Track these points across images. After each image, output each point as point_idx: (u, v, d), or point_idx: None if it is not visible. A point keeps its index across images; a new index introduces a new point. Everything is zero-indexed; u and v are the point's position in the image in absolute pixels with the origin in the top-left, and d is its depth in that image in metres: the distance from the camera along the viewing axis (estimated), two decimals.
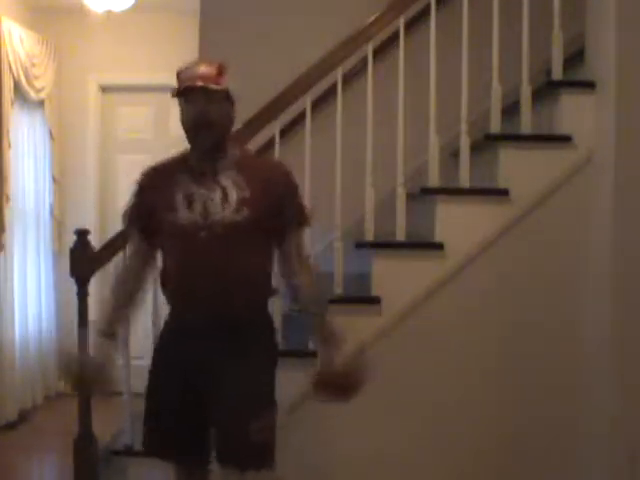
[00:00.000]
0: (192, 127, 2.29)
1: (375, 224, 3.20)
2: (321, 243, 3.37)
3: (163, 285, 2.39)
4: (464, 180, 3.19)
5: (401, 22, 3.24)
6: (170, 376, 2.31)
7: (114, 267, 2.47)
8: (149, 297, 3.35)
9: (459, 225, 3.16)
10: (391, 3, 3.22)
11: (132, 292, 2.43)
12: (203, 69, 2.28)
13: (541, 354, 3.15)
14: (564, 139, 3.16)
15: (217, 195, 2.26)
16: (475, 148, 3.24)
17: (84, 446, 3.16)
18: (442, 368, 3.15)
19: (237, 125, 2.47)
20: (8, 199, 4.93)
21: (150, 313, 3.27)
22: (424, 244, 3.20)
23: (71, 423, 3.29)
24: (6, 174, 4.90)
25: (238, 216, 2.24)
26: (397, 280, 3.13)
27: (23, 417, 5.08)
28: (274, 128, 3.26)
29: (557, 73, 3.22)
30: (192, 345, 2.25)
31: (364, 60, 3.30)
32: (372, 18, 3.21)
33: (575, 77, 3.29)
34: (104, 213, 5.90)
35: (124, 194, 6.20)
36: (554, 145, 3.18)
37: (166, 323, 2.43)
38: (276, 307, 2.92)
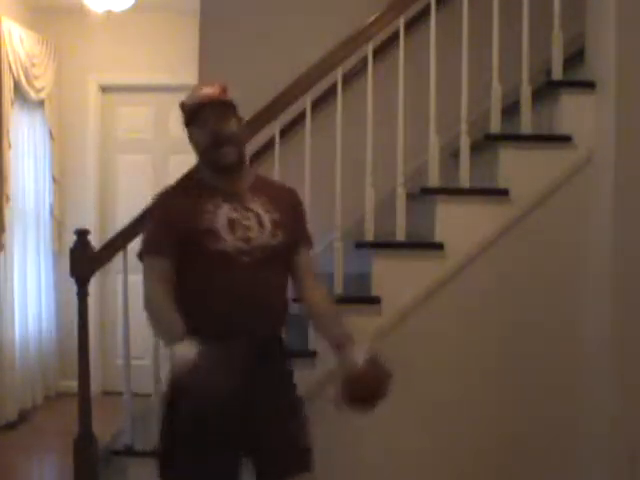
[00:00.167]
0: (212, 143, 2.23)
1: (375, 224, 3.20)
2: (321, 243, 3.36)
3: (187, 313, 2.17)
4: (464, 180, 3.19)
5: (401, 22, 3.23)
6: (206, 408, 2.14)
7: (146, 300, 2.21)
8: None
9: (459, 225, 3.16)
10: (391, 3, 3.22)
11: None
12: (207, 90, 2.28)
13: (541, 354, 3.15)
14: (564, 139, 3.16)
15: (252, 219, 2.25)
16: (475, 148, 3.24)
17: (84, 446, 3.16)
18: (442, 368, 3.15)
19: None
20: (8, 199, 4.93)
21: None
22: (424, 244, 3.20)
23: (71, 423, 3.30)
24: (6, 174, 4.90)
25: (274, 240, 2.25)
26: (397, 280, 3.13)
27: (23, 417, 5.09)
28: (274, 128, 3.26)
29: (557, 73, 3.22)
30: (233, 372, 2.15)
31: (364, 60, 3.30)
32: (372, 18, 3.21)
33: (575, 77, 3.29)
34: (104, 213, 5.91)
35: (124, 194, 6.31)
36: (554, 145, 3.18)
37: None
38: None
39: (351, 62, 3.44)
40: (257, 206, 2.28)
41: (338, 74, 3.24)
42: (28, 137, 5.43)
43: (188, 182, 2.37)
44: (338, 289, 3.15)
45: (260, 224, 2.26)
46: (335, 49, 3.22)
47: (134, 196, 5.53)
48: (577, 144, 3.15)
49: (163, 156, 5.91)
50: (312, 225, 2.45)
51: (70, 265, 3.14)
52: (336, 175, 3.22)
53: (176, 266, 2.21)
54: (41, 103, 5.54)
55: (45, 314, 5.61)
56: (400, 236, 3.17)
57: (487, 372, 3.16)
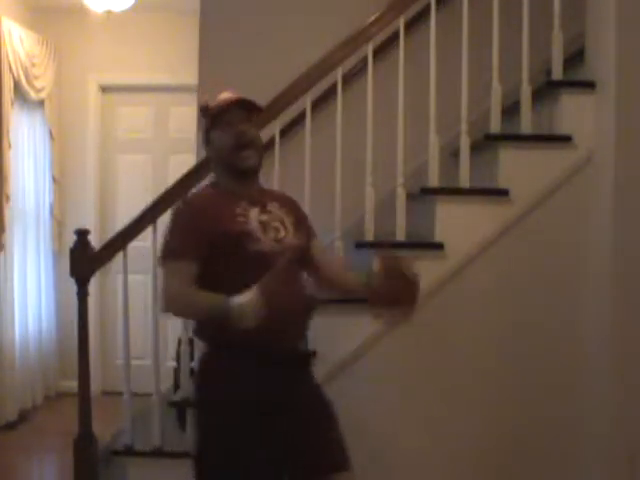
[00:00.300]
0: (236, 145, 2.24)
1: (375, 224, 3.20)
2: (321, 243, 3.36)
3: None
4: (464, 180, 3.18)
5: (401, 22, 3.23)
6: (249, 416, 2.16)
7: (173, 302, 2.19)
8: (149, 297, 3.36)
9: (459, 225, 3.16)
10: (391, 3, 3.22)
11: None
12: (230, 94, 2.29)
13: (541, 354, 3.15)
14: (564, 139, 3.16)
15: (277, 221, 2.28)
16: (475, 148, 3.24)
17: (84, 446, 3.16)
18: (442, 368, 3.15)
19: None
20: (8, 199, 4.94)
21: (150, 311, 3.27)
22: (424, 244, 3.20)
23: (71, 423, 3.30)
24: (6, 174, 4.90)
25: (296, 240, 2.29)
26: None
27: (23, 417, 5.09)
28: (274, 128, 3.26)
29: (557, 73, 3.21)
30: (274, 376, 2.19)
31: (364, 60, 3.30)
32: (372, 18, 3.21)
33: (575, 77, 3.29)
34: (104, 213, 5.91)
35: (124, 194, 6.30)
36: (554, 145, 3.17)
37: (224, 360, 2.22)
38: None
39: (351, 62, 3.44)
40: (276, 209, 2.31)
41: (338, 74, 3.24)
42: (28, 137, 5.43)
43: (207, 189, 2.36)
44: None
45: (284, 226, 2.29)
46: (335, 49, 3.22)
47: (134, 196, 5.54)
48: (577, 144, 3.15)
49: (163, 156, 5.91)
50: (312, 225, 2.46)
51: (70, 265, 3.14)
52: (336, 175, 3.22)
53: (203, 272, 2.18)
54: (41, 103, 5.54)
55: (45, 314, 5.61)
56: (400, 236, 3.17)
57: (487, 372, 3.16)
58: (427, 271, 3.12)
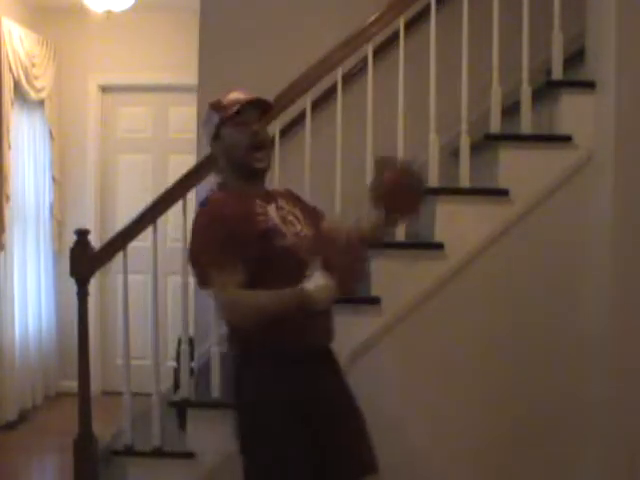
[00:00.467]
0: (250, 147, 2.23)
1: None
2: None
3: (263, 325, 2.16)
4: (464, 180, 3.18)
5: (401, 22, 3.23)
6: (286, 415, 2.18)
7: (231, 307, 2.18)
8: (149, 297, 3.36)
9: (459, 225, 3.16)
10: (391, 3, 3.22)
11: None
12: (244, 93, 2.28)
13: (541, 354, 3.15)
14: (564, 139, 3.16)
15: (291, 215, 2.30)
16: (475, 148, 3.24)
17: (84, 446, 3.16)
18: (442, 367, 3.15)
19: None
20: (8, 199, 4.94)
21: (150, 311, 3.27)
22: (424, 244, 3.20)
23: (71, 423, 3.30)
24: (6, 174, 4.90)
25: (310, 231, 2.31)
26: (397, 280, 3.13)
27: (23, 417, 5.09)
28: (274, 128, 3.26)
29: (557, 73, 3.21)
30: (311, 372, 2.21)
31: (364, 60, 3.30)
32: (372, 18, 3.21)
33: (575, 77, 3.29)
34: (104, 213, 5.91)
35: (124, 194, 6.31)
36: (554, 145, 3.17)
37: (257, 362, 2.23)
38: None
39: (351, 62, 3.44)
40: (285, 204, 2.32)
41: (338, 74, 3.24)
42: (28, 137, 5.43)
43: (219, 194, 2.30)
44: None
45: (297, 219, 2.31)
46: (335, 49, 3.22)
47: (134, 196, 5.55)
48: (577, 144, 3.15)
49: (163, 156, 5.91)
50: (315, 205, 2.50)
51: (70, 265, 3.14)
52: (336, 175, 3.22)
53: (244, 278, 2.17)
54: (41, 103, 5.54)
55: (45, 314, 5.61)
56: (400, 236, 3.17)
57: (487, 372, 3.16)
58: (427, 271, 3.14)
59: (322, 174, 3.21)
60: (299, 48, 3.76)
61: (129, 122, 5.97)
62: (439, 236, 3.16)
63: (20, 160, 5.28)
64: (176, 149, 5.69)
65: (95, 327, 5.48)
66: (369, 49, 3.23)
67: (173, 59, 5.54)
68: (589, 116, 3.14)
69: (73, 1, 5.16)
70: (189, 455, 3.14)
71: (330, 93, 3.54)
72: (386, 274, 3.14)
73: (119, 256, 3.19)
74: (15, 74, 5.01)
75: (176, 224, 3.33)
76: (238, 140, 2.24)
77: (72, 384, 3.63)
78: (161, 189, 3.30)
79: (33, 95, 5.34)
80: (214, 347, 3.16)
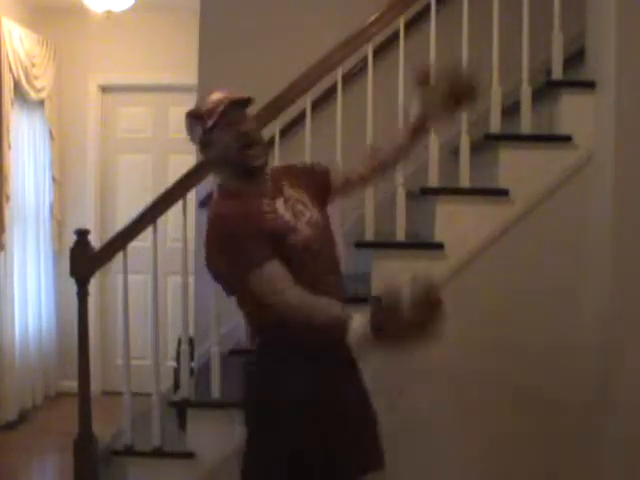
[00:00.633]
0: (242, 147, 2.19)
1: (375, 224, 3.20)
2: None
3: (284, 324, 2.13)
4: (464, 180, 3.18)
5: (401, 22, 3.23)
6: (309, 415, 2.18)
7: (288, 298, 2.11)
8: (149, 297, 3.36)
9: (459, 225, 3.16)
10: (391, 3, 3.22)
11: None
12: (220, 94, 2.24)
13: (541, 354, 3.15)
14: (564, 139, 3.16)
15: (299, 204, 2.27)
16: (475, 148, 3.24)
17: (84, 446, 3.16)
18: (442, 367, 3.15)
19: None
20: (8, 199, 4.94)
21: (150, 311, 3.28)
22: (424, 244, 3.20)
23: (71, 423, 3.30)
24: (6, 174, 4.91)
25: (322, 217, 2.30)
26: (397, 280, 3.12)
27: (23, 417, 5.09)
28: (274, 128, 3.26)
29: (557, 73, 3.21)
30: (330, 374, 2.21)
31: (364, 60, 3.30)
32: (372, 18, 3.21)
33: (575, 77, 3.29)
34: (104, 213, 5.91)
35: (124, 194, 6.31)
36: (554, 145, 3.17)
37: (287, 361, 2.21)
38: None
39: (351, 62, 3.44)
40: (290, 191, 2.29)
41: (338, 74, 3.24)
42: (28, 137, 5.43)
43: (224, 200, 2.26)
44: None
45: (304, 204, 2.28)
46: (335, 49, 3.21)
47: (134, 196, 5.55)
48: (577, 144, 3.15)
49: (163, 156, 5.91)
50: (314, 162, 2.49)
51: (70, 265, 3.14)
52: None
53: None
54: (41, 103, 5.55)
55: (45, 314, 5.61)
56: (400, 236, 3.17)
57: (486, 372, 3.16)
58: (427, 271, 3.13)
59: None
60: (299, 48, 3.76)
61: (129, 122, 5.97)
62: (439, 236, 3.16)
63: (20, 160, 5.28)
64: (176, 149, 5.69)
65: (95, 327, 5.49)
66: (369, 49, 3.23)
67: (173, 59, 5.54)
68: (589, 116, 3.14)
69: (73, 1, 5.16)
70: (189, 455, 3.14)
71: (330, 93, 3.54)
72: (386, 274, 3.14)
73: (119, 256, 3.19)
74: (15, 74, 5.01)
75: (176, 224, 3.33)
76: (228, 143, 2.20)
77: (72, 384, 3.64)
78: (161, 189, 3.30)
79: (33, 95, 5.34)
80: (214, 347, 3.16)
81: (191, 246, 3.54)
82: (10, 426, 4.90)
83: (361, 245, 3.22)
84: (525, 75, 3.21)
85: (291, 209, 2.24)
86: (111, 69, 5.81)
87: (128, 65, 5.77)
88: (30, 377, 5.30)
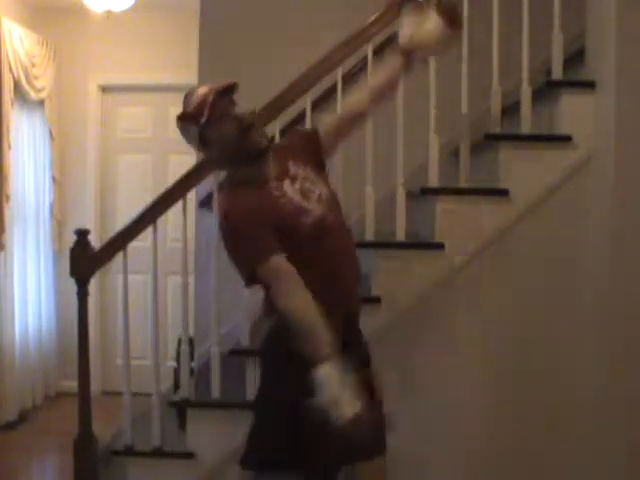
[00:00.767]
0: (240, 134, 2.19)
1: (375, 224, 3.19)
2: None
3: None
4: (464, 180, 3.18)
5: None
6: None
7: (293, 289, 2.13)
8: (149, 297, 3.36)
9: (459, 225, 3.16)
10: (391, 3, 3.22)
11: None
12: (205, 87, 2.26)
13: (541, 353, 3.15)
14: (564, 139, 3.16)
15: (306, 182, 2.26)
16: (475, 148, 3.24)
17: (84, 446, 3.16)
18: (442, 367, 3.15)
19: None
20: (8, 199, 4.94)
21: (150, 311, 3.28)
22: (424, 244, 3.20)
23: (71, 423, 3.30)
24: (6, 174, 4.91)
25: (328, 190, 2.31)
26: (397, 280, 3.13)
27: (23, 417, 5.09)
28: (274, 128, 3.26)
29: (557, 73, 3.21)
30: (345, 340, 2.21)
31: (364, 60, 3.30)
32: (372, 18, 3.21)
33: (575, 77, 3.29)
34: (104, 213, 5.92)
35: (124, 194, 6.31)
36: (554, 145, 3.17)
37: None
38: None
39: (351, 62, 3.43)
40: (297, 170, 2.28)
41: (338, 74, 3.24)
42: (28, 137, 5.43)
43: (232, 191, 2.27)
44: None
45: (312, 181, 2.28)
46: (335, 49, 3.21)
47: (134, 196, 5.55)
48: (577, 144, 3.15)
49: (163, 156, 5.91)
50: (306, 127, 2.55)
51: (70, 265, 3.14)
52: (336, 175, 3.21)
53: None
54: (41, 103, 5.55)
55: (45, 314, 5.61)
56: (400, 236, 3.17)
57: (486, 372, 3.16)
58: (427, 271, 3.14)
59: None
60: (299, 48, 3.76)
61: (129, 122, 5.97)
62: (439, 236, 3.16)
63: (20, 160, 5.28)
64: (176, 149, 5.63)
65: (95, 327, 5.49)
66: (369, 49, 3.23)
67: (173, 59, 5.54)
68: (589, 116, 3.14)
69: (73, 1, 5.16)
70: (189, 455, 3.14)
71: (330, 93, 3.53)
72: (386, 274, 3.14)
73: (119, 256, 3.19)
74: (15, 74, 5.01)
75: (176, 224, 3.33)
76: (226, 133, 2.19)
77: (72, 384, 3.64)
78: (161, 189, 3.30)
79: (33, 95, 5.34)
80: (214, 347, 3.16)
81: (191, 246, 3.55)
82: (10, 426, 4.90)
83: (361, 245, 3.21)
84: (525, 75, 3.21)
85: (300, 189, 2.23)
86: (111, 69, 5.81)
87: (128, 65, 5.77)
88: (30, 377, 5.30)
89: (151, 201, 3.22)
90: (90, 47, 5.78)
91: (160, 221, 3.21)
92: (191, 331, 3.49)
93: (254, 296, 2.48)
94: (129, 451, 3.20)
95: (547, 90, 3.26)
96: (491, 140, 3.24)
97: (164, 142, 5.90)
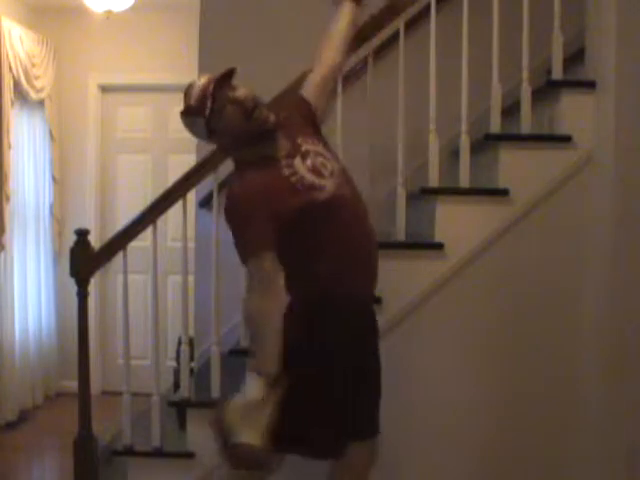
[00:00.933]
0: (246, 116, 2.22)
1: (375, 224, 3.18)
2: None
3: (335, 273, 2.21)
4: (464, 180, 3.18)
5: (401, 22, 3.23)
6: (340, 368, 2.25)
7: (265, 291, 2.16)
8: (149, 295, 3.36)
9: (459, 225, 3.16)
10: (391, 3, 3.22)
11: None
12: (206, 77, 2.28)
13: (541, 353, 3.15)
14: (564, 139, 3.16)
15: (317, 156, 2.27)
16: (475, 148, 3.24)
17: (84, 446, 3.16)
18: (442, 367, 3.15)
19: None
20: (8, 199, 4.94)
21: (150, 311, 3.28)
22: (424, 244, 3.20)
23: (71, 423, 3.30)
24: (6, 174, 4.91)
25: (339, 162, 2.34)
26: (397, 280, 3.13)
27: (23, 417, 5.09)
28: None
29: (557, 73, 3.21)
30: (360, 325, 2.27)
31: (364, 60, 3.30)
32: (372, 18, 3.20)
33: (575, 77, 3.29)
34: (104, 213, 5.92)
35: (124, 194, 6.32)
36: (554, 145, 3.17)
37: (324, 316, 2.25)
38: None
39: (351, 62, 3.43)
40: (305, 143, 2.30)
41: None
42: (28, 137, 5.44)
43: (243, 175, 2.28)
44: None
45: (322, 155, 2.30)
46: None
47: (134, 196, 5.56)
48: (577, 144, 3.15)
49: (163, 156, 5.91)
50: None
51: (70, 265, 3.14)
52: None
53: (297, 248, 2.19)
54: (41, 103, 5.55)
55: (45, 314, 5.61)
56: (400, 236, 3.17)
57: (486, 372, 3.16)
58: (427, 271, 3.14)
59: None
60: (299, 48, 3.75)
61: (129, 122, 5.97)
62: (439, 236, 3.16)
63: (20, 160, 5.28)
64: (176, 149, 5.70)
65: (95, 327, 5.49)
66: (369, 49, 3.23)
67: (173, 59, 5.54)
68: (589, 116, 3.14)
69: (73, 1, 5.16)
70: (189, 455, 3.14)
71: (330, 93, 3.52)
72: (386, 274, 3.14)
73: (119, 256, 3.19)
74: (15, 74, 5.01)
75: (176, 224, 3.32)
76: (233, 118, 2.22)
77: (72, 384, 3.64)
78: (161, 189, 3.30)
79: (33, 95, 5.34)
80: (214, 347, 3.16)
81: (191, 246, 3.54)
82: (10, 426, 4.90)
83: None
84: (525, 75, 3.21)
85: (311, 166, 2.24)
86: (111, 69, 5.81)
87: (128, 65, 5.78)
88: (30, 377, 5.30)
89: (151, 201, 3.22)
90: (90, 47, 5.78)
91: (160, 221, 3.21)
92: (191, 331, 3.49)
93: None
94: (129, 451, 3.19)
95: (547, 90, 3.26)
96: (491, 140, 3.23)
97: (164, 142, 5.91)
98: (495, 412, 3.16)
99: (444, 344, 3.16)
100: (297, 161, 2.23)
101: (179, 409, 3.30)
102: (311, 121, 2.40)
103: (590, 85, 3.14)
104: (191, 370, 3.28)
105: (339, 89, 3.24)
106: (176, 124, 6.39)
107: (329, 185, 2.22)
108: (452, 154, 3.45)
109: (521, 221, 3.15)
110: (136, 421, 3.26)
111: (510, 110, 3.27)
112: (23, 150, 5.34)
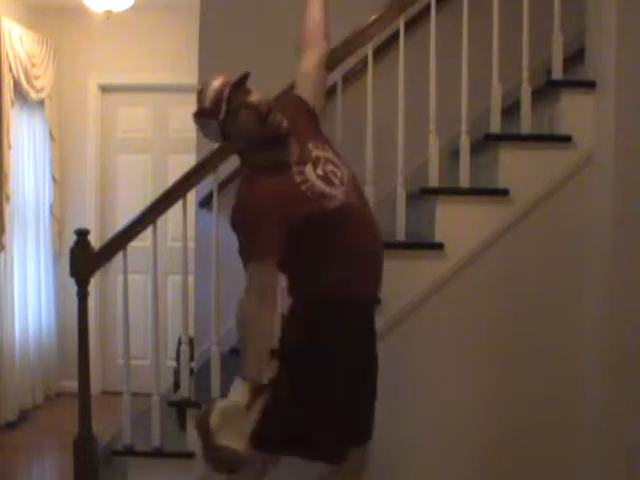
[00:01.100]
0: (260, 120, 2.23)
1: None
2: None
3: (343, 279, 2.24)
4: (464, 180, 3.18)
5: (401, 22, 3.23)
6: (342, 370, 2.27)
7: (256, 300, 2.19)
8: (149, 295, 3.36)
9: (459, 225, 3.16)
10: (391, 3, 3.22)
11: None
12: (220, 80, 2.29)
13: (541, 353, 3.15)
14: (564, 139, 3.16)
15: (328, 164, 2.28)
16: (475, 148, 3.24)
17: (84, 446, 3.16)
18: (442, 367, 3.15)
19: None
20: (8, 199, 4.94)
21: (150, 311, 3.28)
22: (424, 244, 3.20)
23: (71, 423, 3.30)
24: (6, 174, 4.91)
25: (348, 168, 2.35)
26: (397, 280, 3.13)
27: (23, 417, 5.09)
28: None
29: (557, 73, 3.22)
30: (362, 327, 2.30)
31: (364, 60, 3.30)
32: (372, 18, 3.21)
33: (575, 77, 3.29)
34: (104, 213, 5.92)
35: (124, 194, 6.31)
36: (554, 145, 3.17)
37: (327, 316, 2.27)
38: None
39: (351, 62, 3.43)
40: (317, 153, 2.30)
41: (338, 74, 3.24)
42: (28, 137, 5.43)
43: (254, 180, 2.28)
44: None
45: (332, 162, 2.30)
46: (335, 49, 3.21)
47: (134, 196, 5.55)
48: (577, 144, 3.15)
49: (163, 156, 5.91)
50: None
51: (70, 265, 3.14)
52: None
53: (305, 254, 2.21)
54: (41, 103, 5.55)
55: (45, 314, 5.61)
56: (400, 236, 3.17)
57: (486, 372, 3.16)
58: (427, 271, 3.14)
59: None
60: None
61: (129, 122, 5.97)
62: (439, 236, 3.16)
63: (20, 160, 5.28)
64: (176, 149, 5.70)
65: (95, 327, 5.49)
66: (369, 49, 3.23)
67: (173, 59, 5.54)
68: (589, 116, 3.14)
69: (73, 1, 5.16)
70: (189, 455, 3.14)
71: (330, 93, 3.53)
72: (386, 274, 3.13)
73: (119, 256, 3.19)
74: (15, 74, 5.01)
75: (176, 224, 3.32)
76: (247, 122, 2.22)
77: (72, 384, 3.64)
78: (161, 189, 3.30)
79: (33, 95, 5.34)
80: (214, 347, 3.16)
81: (191, 246, 3.54)
82: (10, 426, 4.90)
83: None
84: (525, 75, 3.21)
85: (322, 173, 2.24)
86: (111, 69, 5.81)
87: (128, 65, 5.77)
88: (30, 377, 5.30)
89: (151, 201, 3.22)
90: (90, 47, 5.78)
91: (160, 221, 3.21)
92: (191, 331, 3.49)
93: None
94: (129, 451, 3.19)
95: (547, 90, 3.26)
96: (491, 140, 3.24)
97: (164, 142, 5.91)
98: (495, 412, 3.16)
99: (444, 344, 3.16)
100: (308, 168, 2.24)
101: (179, 409, 3.30)
102: (313, 123, 2.39)
103: (590, 85, 3.14)
104: (191, 370, 3.28)
105: (339, 89, 3.24)
106: (176, 124, 6.41)
107: (339, 194, 2.23)
108: (452, 154, 3.45)
109: (521, 221, 3.15)
110: (136, 421, 3.26)
111: (510, 110, 3.27)
112: (23, 150, 5.34)
